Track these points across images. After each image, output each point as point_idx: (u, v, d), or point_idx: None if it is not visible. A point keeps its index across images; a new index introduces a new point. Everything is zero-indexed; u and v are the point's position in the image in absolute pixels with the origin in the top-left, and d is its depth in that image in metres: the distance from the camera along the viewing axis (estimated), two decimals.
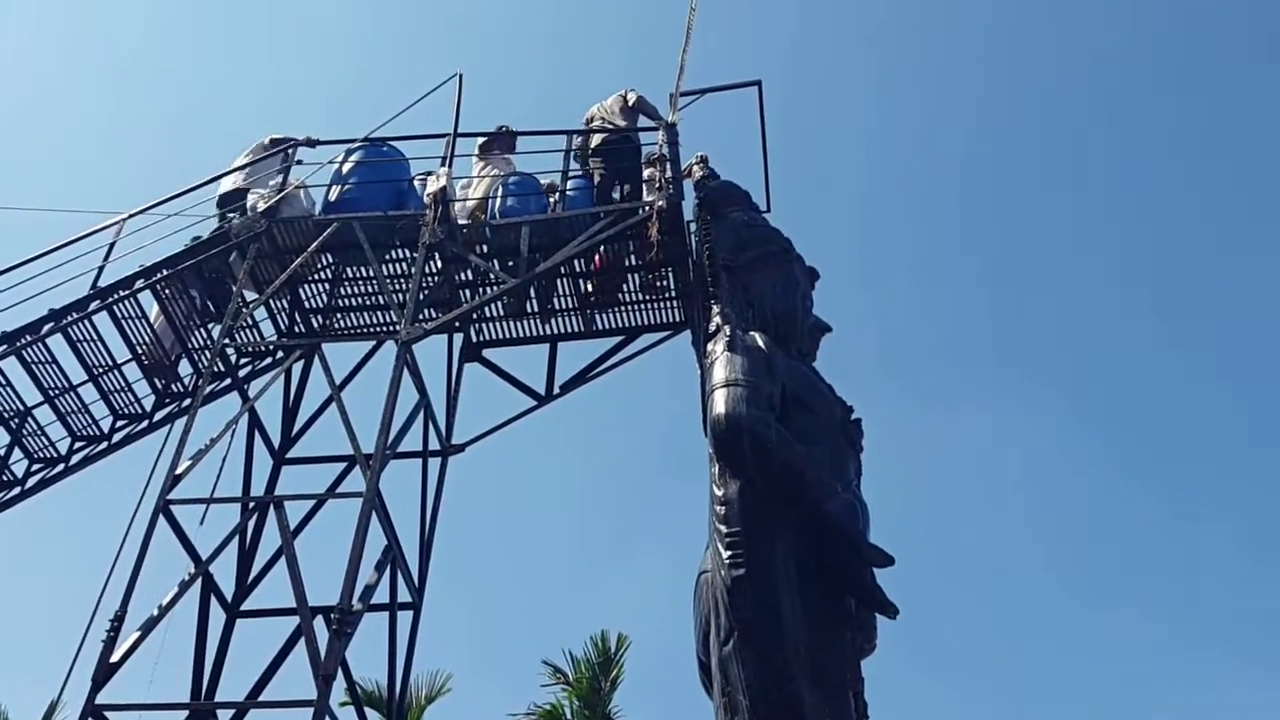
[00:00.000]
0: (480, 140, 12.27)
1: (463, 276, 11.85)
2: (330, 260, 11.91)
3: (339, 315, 12.35)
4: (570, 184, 11.75)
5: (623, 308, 12.08)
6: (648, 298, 12.01)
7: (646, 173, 11.48)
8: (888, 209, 35.34)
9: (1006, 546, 33.55)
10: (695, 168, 11.85)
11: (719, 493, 8.62)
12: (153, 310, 11.65)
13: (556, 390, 11.93)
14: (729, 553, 8.28)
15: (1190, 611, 32.51)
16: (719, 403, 8.83)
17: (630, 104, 11.87)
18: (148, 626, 9.03)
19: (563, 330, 12.22)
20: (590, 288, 11.94)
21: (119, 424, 11.79)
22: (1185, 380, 35.72)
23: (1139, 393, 35.49)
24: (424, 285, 11.23)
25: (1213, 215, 35.51)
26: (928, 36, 34.85)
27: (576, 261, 11.54)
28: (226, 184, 11.91)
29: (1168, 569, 34.30)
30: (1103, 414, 35.65)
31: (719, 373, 9.08)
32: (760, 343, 9.45)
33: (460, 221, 11.54)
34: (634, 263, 11.74)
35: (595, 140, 11.78)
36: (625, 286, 11.94)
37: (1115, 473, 36.28)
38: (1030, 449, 35.08)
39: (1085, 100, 35.17)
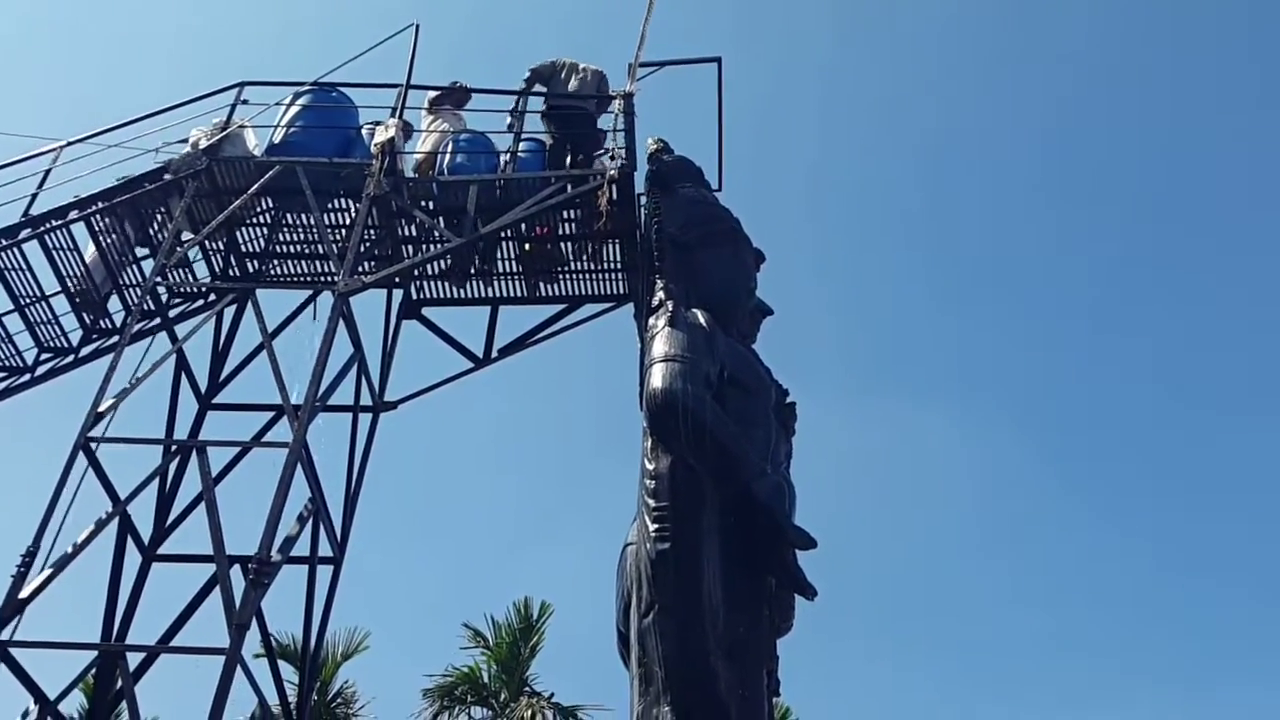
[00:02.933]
0: (431, 94, 12.03)
1: (406, 231, 11.68)
2: (270, 204, 11.69)
3: (276, 261, 12.13)
4: (522, 146, 11.60)
5: (567, 276, 12.01)
6: (593, 268, 11.94)
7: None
8: (841, 200, 35.58)
9: (941, 545, 34.15)
10: (650, 142, 11.78)
11: (650, 467, 8.65)
12: (86, 244, 11.36)
13: (495, 354, 11.86)
14: (655, 526, 8.32)
15: (1110, 615, 33.41)
16: (656, 377, 8.83)
17: (602, 89, 11.69)
18: (60, 564, 8.86)
19: (505, 294, 12.12)
20: (528, 248, 11.80)
21: (44, 357, 11.51)
22: (1118, 390, 36.57)
23: (1074, 402, 36.29)
24: (365, 237, 11.07)
25: (1156, 227, 36.27)
26: (878, 40, 35.05)
27: (523, 225, 11.44)
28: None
29: (1095, 572, 35.18)
30: (1037, 418, 36.41)
31: (659, 347, 9.08)
32: (702, 320, 9.45)
33: (407, 174, 11.37)
34: (574, 231, 11.65)
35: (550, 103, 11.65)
36: (564, 255, 11.82)
37: (1050, 478, 37.07)
38: (966, 451, 35.74)
39: (1038, 99, 35.59)
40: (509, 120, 11.71)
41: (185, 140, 11.44)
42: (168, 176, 11.06)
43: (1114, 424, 36.63)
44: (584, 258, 11.88)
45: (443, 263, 11.67)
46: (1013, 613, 33.53)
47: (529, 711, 18.45)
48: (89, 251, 11.32)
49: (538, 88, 11.80)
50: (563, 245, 11.79)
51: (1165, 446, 36.15)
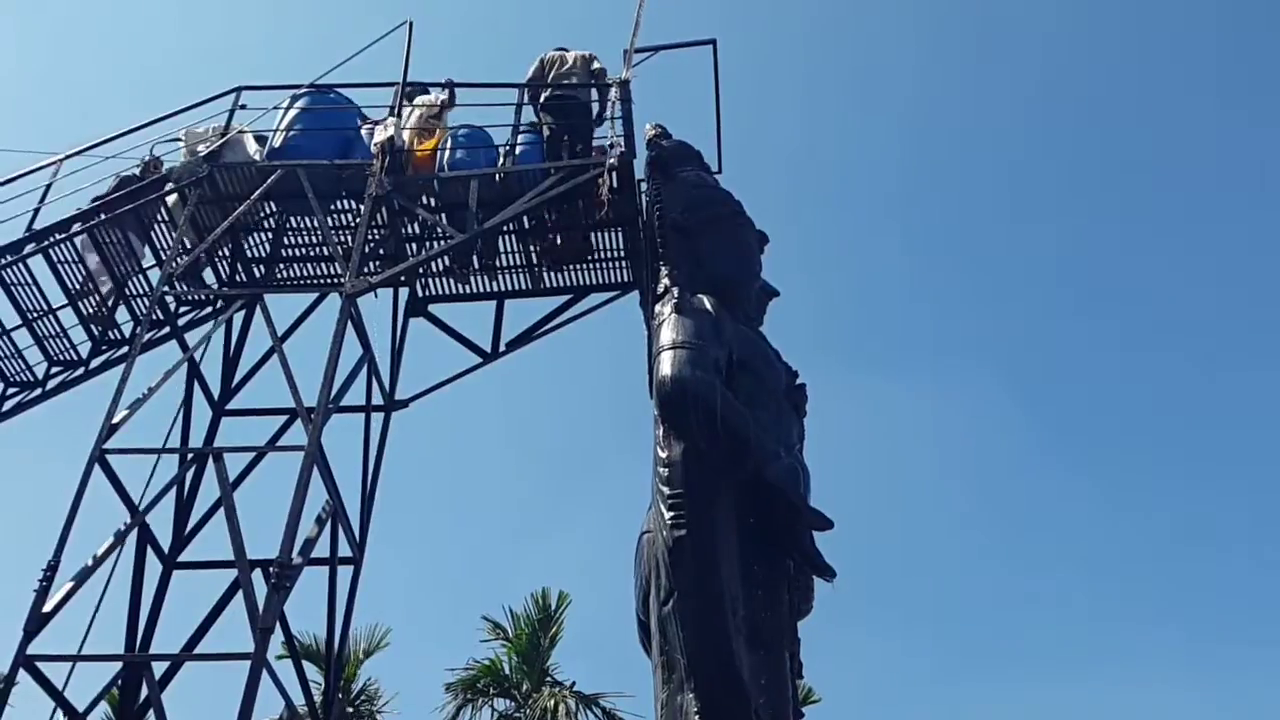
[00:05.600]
0: (443, 97, 12.05)
1: (410, 230, 11.69)
2: (274, 209, 11.70)
3: (282, 265, 12.15)
4: (521, 139, 11.59)
5: (571, 267, 12.01)
6: (596, 257, 11.94)
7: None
8: (819, 181, 35.61)
9: (940, 515, 34.23)
10: (649, 128, 11.75)
11: (663, 454, 8.65)
12: (90, 255, 11.38)
13: (502, 348, 11.87)
14: (671, 514, 8.33)
15: (1113, 581, 33.53)
16: (665, 365, 8.84)
17: (594, 69, 11.69)
18: (81, 577, 8.92)
19: (510, 287, 12.13)
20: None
21: (54, 371, 11.54)
22: (1101, 357, 36.68)
23: (1065, 370, 36.39)
24: (370, 237, 11.07)
25: (1141, 202, 36.33)
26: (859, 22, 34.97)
27: (525, 218, 11.43)
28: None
29: (1091, 539, 35.30)
30: (1030, 390, 36.49)
31: (666, 335, 9.08)
32: (708, 306, 9.45)
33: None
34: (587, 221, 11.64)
35: (546, 95, 11.63)
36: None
37: (1043, 447, 37.18)
38: (962, 424, 35.79)
39: (1020, 77, 35.59)
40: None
41: (178, 140, 11.45)
42: (169, 185, 11.07)
43: (1094, 387, 36.78)
44: (596, 247, 11.84)
45: (447, 259, 11.68)
46: (1007, 581, 33.69)
47: (552, 701, 18.53)
48: (93, 262, 11.35)
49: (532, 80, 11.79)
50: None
51: (1145, 405, 36.34)
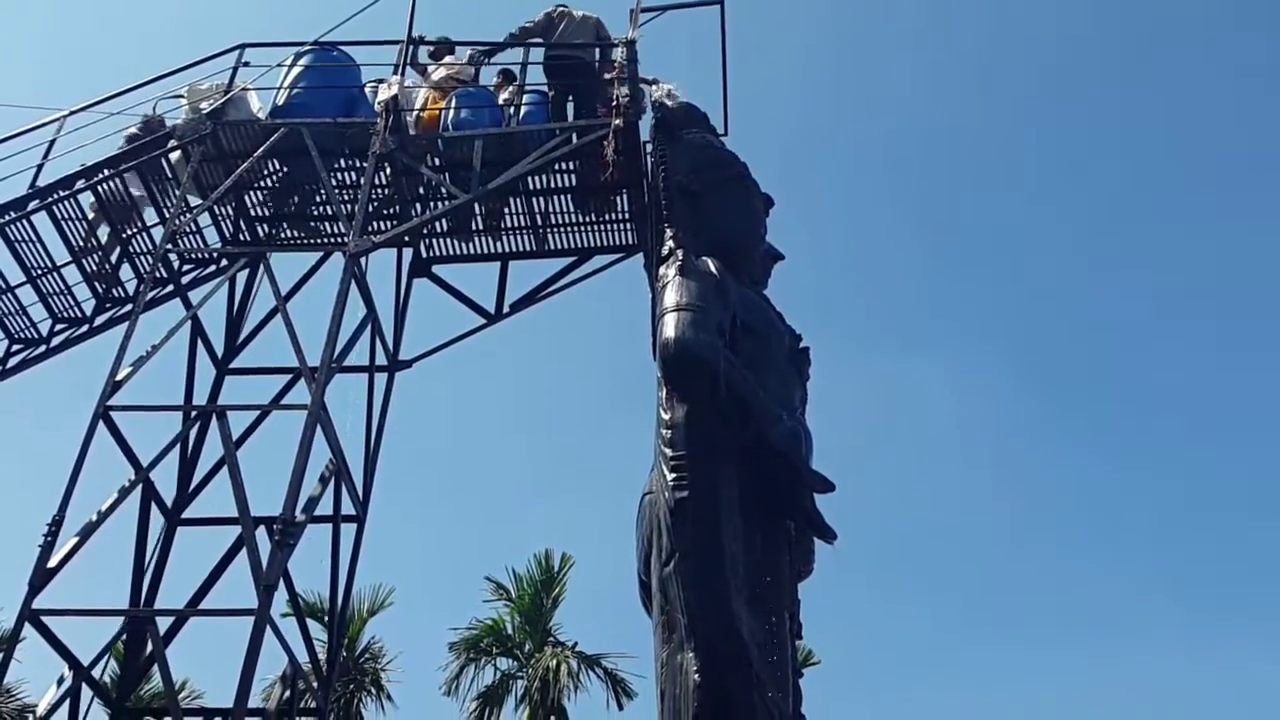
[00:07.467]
0: (429, 50, 11.97)
1: (414, 190, 11.64)
2: (277, 167, 11.64)
3: (285, 224, 12.11)
4: (526, 99, 11.51)
5: (575, 228, 11.97)
6: (601, 219, 11.90)
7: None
8: (824, 157, 35.39)
9: (946, 485, 34.32)
10: (654, 88, 11.65)
11: (666, 416, 8.67)
12: (93, 212, 11.37)
13: (506, 309, 11.86)
14: (673, 475, 8.35)
15: (1117, 553, 33.66)
16: (669, 327, 8.83)
17: (600, 35, 11.58)
18: (86, 532, 8.96)
19: (514, 249, 12.10)
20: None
21: (58, 328, 11.56)
22: (1111, 333, 36.61)
23: (1073, 347, 36.37)
24: (373, 197, 11.03)
25: (1149, 178, 36.11)
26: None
27: (530, 179, 11.38)
28: None
29: (1096, 511, 35.43)
30: (1035, 367, 36.50)
31: (670, 297, 9.06)
32: (712, 268, 9.41)
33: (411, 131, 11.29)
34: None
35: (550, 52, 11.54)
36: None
37: (1048, 423, 37.22)
38: (968, 398, 35.84)
39: (1035, 52, 35.28)
40: (496, 81, 11.60)
41: (180, 96, 11.39)
42: (173, 142, 11.03)
43: (1103, 363, 36.78)
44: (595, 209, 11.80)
45: (451, 220, 11.64)
46: (1009, 550, 33.85)
47: (554, 661, 18.70)
48: (97, 220, 11.33)
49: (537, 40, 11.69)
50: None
51: (1160, 379, 36.33)
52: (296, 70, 11.55)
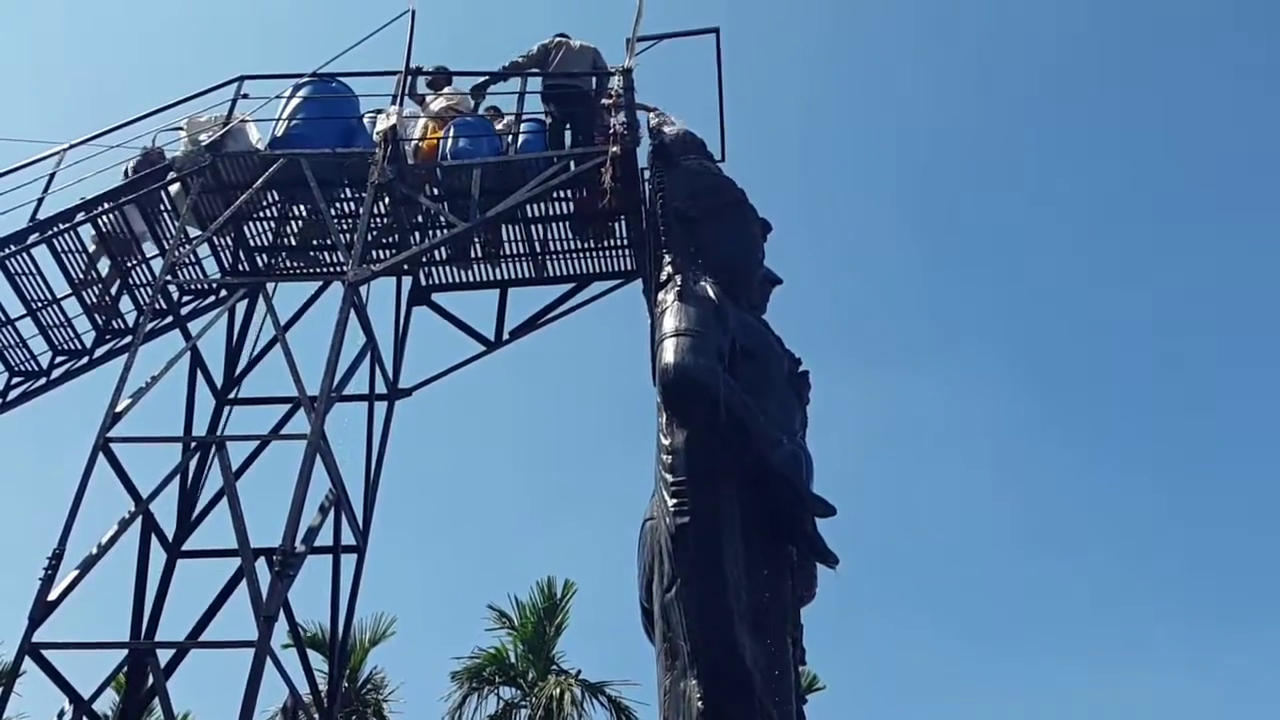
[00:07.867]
0: (427, 80, 12.05)
1: (413, 218, 11.68)
2: (276, 198, 11.69)
3: (284, 254, 12.14)
4: (523, 127, 11.57)
5: (574, 255, 12.00)
6: (600, 245, 11.93)
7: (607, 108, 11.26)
8: (825, 156, 35.54)
9: (945, 503, 34.25)
10: (651, 115, 11.72)
11: (666, 441, 8.66)
12: (93, 245, 11.40)
13: (506, 336, 11.86)
14: (674, 501, 8.34)
15: (1117, 563, 33.60)
16: (668, 352, 8.84)
17: (597, 65, 11.65)
18: (86, 565, 8.93)
19: (513, 276, 12.12)
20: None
21: (58, 360, 11.57)
22: (1112, 344, 36.66)
23: (1072, 355, 36.41)
24: (372, 226, 11.07)
25: (1148, 183, 36.24)
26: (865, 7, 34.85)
27: (529, 207, 11.42)
28: None
29: (1099, 523, 35.35)
30: (1039, 376, 36.50)
31: (669, 322, 9.08)
32: (711, 293, 9.43)
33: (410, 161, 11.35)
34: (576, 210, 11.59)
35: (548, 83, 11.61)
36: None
37: (1052, 432, 37.18)
38: (972, 411, 35.82)
39: (1031, 64, 35.48)
40: (494, 111, 11.67)
41: (179, 129, 11.45)
42: (172, 174, 11.07)
43: (1104, 373, 36.80)
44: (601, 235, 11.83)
45: (450, 248, 11.67)
46: (1013, 566, 33.77)
47: (557, 690, 18.56)
48: (97, 252, 11.36)
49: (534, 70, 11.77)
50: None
51: (1155, 390, 36.37)
52: (295, 102, 11.61)
